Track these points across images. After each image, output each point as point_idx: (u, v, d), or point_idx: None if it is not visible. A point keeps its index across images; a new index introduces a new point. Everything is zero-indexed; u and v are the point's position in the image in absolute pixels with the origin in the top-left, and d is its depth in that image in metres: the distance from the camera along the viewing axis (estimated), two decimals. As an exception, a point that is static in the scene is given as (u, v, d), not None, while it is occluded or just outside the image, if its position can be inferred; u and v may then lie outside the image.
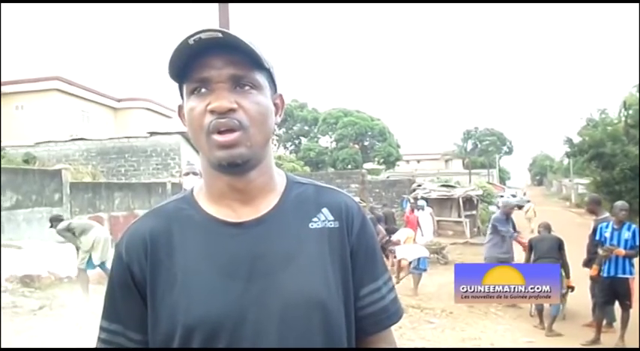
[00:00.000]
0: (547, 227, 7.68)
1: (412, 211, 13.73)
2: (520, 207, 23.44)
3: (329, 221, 1.08)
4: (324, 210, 1.09)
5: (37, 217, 12.08)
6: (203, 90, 1.00)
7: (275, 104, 1.09)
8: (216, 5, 7.61)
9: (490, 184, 33.61)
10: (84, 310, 6.69)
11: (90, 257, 7.65)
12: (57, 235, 8.26)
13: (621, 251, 6.05)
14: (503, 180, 63.38)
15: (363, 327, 1.09)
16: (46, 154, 18.85)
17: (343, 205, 1.12)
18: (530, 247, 7.46)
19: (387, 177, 32.06)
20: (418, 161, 63.88)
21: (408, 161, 58.79)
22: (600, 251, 6.20)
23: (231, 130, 0.98)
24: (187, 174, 4.93)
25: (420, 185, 22.48)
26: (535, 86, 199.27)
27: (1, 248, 8.65)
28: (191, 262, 1.02)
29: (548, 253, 7.03)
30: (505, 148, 66.94)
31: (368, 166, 40.28)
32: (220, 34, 0.97)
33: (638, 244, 6.10)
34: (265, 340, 0.97)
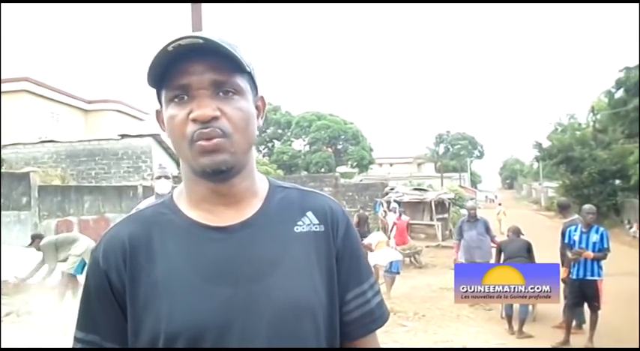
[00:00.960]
0: (516, 231, 7.72)
1: (399, 216, 13.46)
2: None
3: (314, 225, 1.07)
4: (309, 214, 1.08)
5: (5, 221, 11.83)
6: (185, 97, 0.97)
7: (257, 107, 1.06)
8: (188, 5, 7.56)
9: (462, 187, 33.96)
10: (52, 316, 6.56)
11: (82, 262, 7.54)
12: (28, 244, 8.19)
13: (590, 254, 6.16)
14: (474, 183, 64.08)
15: (348, 332, 1.08)
16: (13, 156, 18.41)
17: (328, 208, 1.10)
18: (499, 250, 7.53)
19: (360, 180, 32.10)
20: (391, 165, 64.08)
21: (380, 164, 58.94)
22: (569, 254, 6.31)
23: (214, 138, 0.96)
24: (159, 177, 4.84)
25: (392, 189, 22.57)
26: (506, 91, 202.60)
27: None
28: (173, 267, 0.98)
29: (518, 252, 7.11)
30: (476, 152, 67.67)
31: (341, 169, 40.32)
32: (201, 41, 0.94)
33: (606, 246, 6.23)
34: (253, 347, 0.95)
